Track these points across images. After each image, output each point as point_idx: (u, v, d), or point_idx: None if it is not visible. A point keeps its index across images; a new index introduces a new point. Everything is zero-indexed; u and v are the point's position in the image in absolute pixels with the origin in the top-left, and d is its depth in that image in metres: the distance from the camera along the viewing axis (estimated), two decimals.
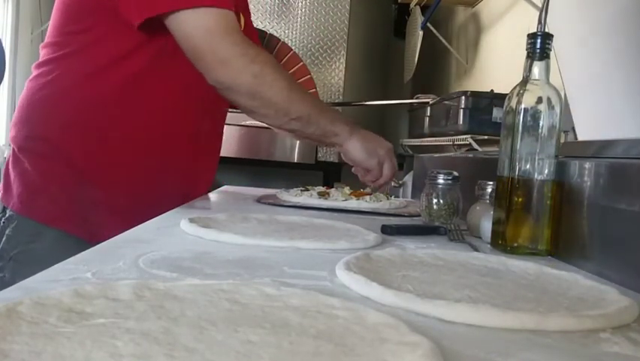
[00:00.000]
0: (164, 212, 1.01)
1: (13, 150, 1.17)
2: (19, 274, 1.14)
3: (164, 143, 1.20)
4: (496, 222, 0.87)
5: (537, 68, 0.83)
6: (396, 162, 1.31)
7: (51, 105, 1.15)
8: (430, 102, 2.56)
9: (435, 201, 1.07)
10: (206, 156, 1.33)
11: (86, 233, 1.12)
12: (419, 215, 1.15)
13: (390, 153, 1.27)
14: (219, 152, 1.41)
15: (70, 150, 1.14)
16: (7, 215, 1.15)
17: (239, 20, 1.31)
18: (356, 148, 1.23)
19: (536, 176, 0.82)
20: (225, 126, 1.42)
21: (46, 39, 1.20)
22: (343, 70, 3.39)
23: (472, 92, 2.12)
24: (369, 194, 1.33)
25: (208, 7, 1.06)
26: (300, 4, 3.36)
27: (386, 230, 0.93)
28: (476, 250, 0.84)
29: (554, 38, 0.84)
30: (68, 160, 1.14)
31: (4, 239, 1.14)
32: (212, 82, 1.10)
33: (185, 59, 1.10)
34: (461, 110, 2.07)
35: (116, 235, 0.78)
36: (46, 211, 1.13)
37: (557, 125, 0.83)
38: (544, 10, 0.85)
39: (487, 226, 0.90)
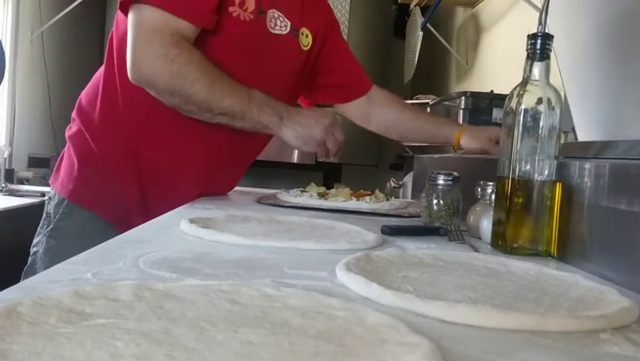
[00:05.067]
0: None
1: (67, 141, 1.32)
2: (49, 250, 1.25)
3: (187, 140, 1.26)
4: (496, 223, 0.87)
5: (537, 69, 0.83)
6: (341, 135, 1.25)
7: (89, 105, 1.27)
8: (430, 103, 2.56)
9: (435, 201, 1.07)
10: (234, 157, 1.36)
11: (114, 217, 1.24)
12: (419, 216, 1.15)
13: (331, 128, 1.24)
14: (253, 156, 1.47)
15: (100, 145, 1.25)
16: (50, 194, 1.29)
17: (296, 38, 1.34)
18: (290, 137, 1.23)
19: (536, 177, 0.82)
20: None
21: None
22: None
23: (472, 92, 2.12)
24: (370, 194, 1.33)
25: (154, 7, 1.12)
26: None
27: (386, 231, 0.93)
28: (476, 250, 0.84)
29: (554, 39, 0.84)
30: (97, 151, 1.25)
31: (44, 216, 1.28)
32: (131, 79, 1.14)
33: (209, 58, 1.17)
34: (461, 111, 2.07)
35: (141, 223, 0.85)
36: (78, 192, 1.25)
37: (557, 126, 0.83)
38: (544, 10, 0.85)
39: (487, 227, 0.90)
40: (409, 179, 2.28)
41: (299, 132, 1.22)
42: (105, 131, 1.25)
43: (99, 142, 1.25)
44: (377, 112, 1.56)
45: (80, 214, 1.24)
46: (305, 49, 1.38)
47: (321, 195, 1.31)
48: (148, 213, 0.99)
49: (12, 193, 2.68)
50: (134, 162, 1.25)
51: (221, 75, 1.16)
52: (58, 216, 1.24)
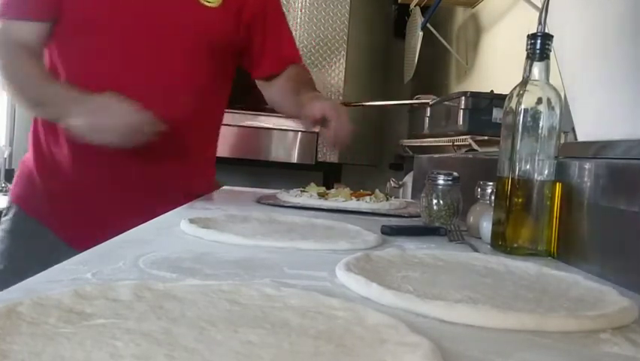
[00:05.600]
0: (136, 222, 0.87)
1: None
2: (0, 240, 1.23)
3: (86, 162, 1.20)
4: (496, 223, 0.87)
5: (537, 69, 0.83)
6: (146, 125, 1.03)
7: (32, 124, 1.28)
8: (430, 103, 2.56)
9: (435, 201, 1.07)
10: (177, 169, 1.26)
11: (49, 222, 1.23)
12: (419, 216, 1.15)
13: (122, 115, 1.02)
14: (210, 163, 1.39)
15: (34, 158, 1.26)
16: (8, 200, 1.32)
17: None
18: (77, 128, 1.04)
19: (536, 176, 0.82)
20: (224, 127, 1.41)
21: None
22: (343, 70, 3.38)
23: (471, 92, 2.11)
24: (370, 194, 1.33)
25: None
26: (300, 4, 3.35)
27: (386, 231, 0.93)
28: (476, 250, 0.84)
29: (554, 39, 0.84)
30: (32, 166, 1.26)
31: None
32: None
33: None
34: (461, 111, 2.07)
35: (82, 235, 0.80)
36: (15, 191, 1.28)
37: (557, 126, 0.83)
38: (544, 10, 0.85)
39: (487, 227, 0.90)
40: (409, 179, 2.28)
41: (87, 122, 1.04)
42: (35, 153, 1.26)
43: (35, 159, 1.25)
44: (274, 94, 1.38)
45: (16, 211, 1.25)
46: (211, 5, 1.19)
47: (321, 195, 1.31)
48: (93, 231, 0.86)
49: None
50: (56, 182, 1.23)
51: (22, 67, 1.13)
52: (4, 209, 1.28)
